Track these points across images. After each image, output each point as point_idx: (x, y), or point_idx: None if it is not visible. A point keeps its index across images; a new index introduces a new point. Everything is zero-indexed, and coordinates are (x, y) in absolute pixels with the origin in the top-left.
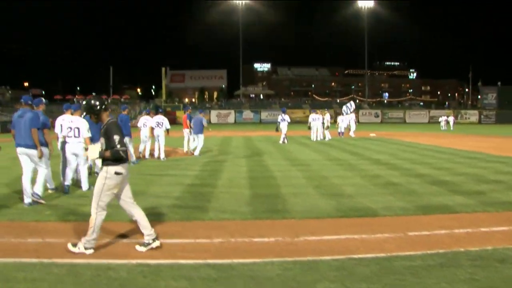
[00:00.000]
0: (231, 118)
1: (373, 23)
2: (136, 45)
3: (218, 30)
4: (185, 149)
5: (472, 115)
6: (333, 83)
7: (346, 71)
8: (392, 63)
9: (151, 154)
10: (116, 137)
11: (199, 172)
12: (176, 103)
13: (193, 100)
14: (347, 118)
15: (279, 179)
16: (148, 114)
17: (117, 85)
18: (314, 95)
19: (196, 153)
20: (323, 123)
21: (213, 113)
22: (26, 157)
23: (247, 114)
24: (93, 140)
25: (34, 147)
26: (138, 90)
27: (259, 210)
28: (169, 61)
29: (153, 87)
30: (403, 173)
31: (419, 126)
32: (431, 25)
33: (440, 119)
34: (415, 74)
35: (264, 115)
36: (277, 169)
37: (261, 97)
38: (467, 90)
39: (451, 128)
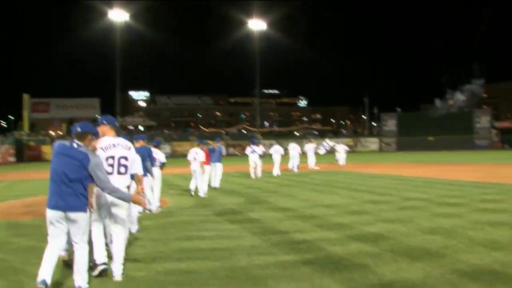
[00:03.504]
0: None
1: (259, 49)
2: None
3: (89, 52)
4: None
5: (373, 143)
6: (217, 113)
7: (232, 100)
8: (278, 92)
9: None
10: None
11: (260, 242)
12: (41, 136)
13: (60, 132)
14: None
15: (390, 238)
16: (199, 145)
17: None
18: (199, 126)
19: (216, 184)
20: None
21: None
22: None
23: None
24: None
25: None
26: None
27: None
28: (30, 87)
29: (12, 118)
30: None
31: (321, 156)
32: (320, 52)
33: (324, 144)
34: (305, 102)
35: None
36: (345, 221)
37: (141, 128)
38: (363, 117)
39: (339, 161)
